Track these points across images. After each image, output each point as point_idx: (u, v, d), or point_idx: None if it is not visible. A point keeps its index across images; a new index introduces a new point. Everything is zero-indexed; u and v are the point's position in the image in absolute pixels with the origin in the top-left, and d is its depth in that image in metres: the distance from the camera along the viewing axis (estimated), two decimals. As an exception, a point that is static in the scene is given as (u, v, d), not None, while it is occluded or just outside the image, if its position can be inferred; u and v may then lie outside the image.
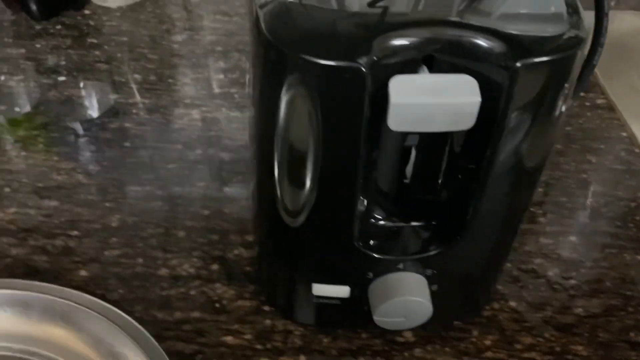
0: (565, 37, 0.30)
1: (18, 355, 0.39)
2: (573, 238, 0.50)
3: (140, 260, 0.46)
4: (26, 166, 0.53)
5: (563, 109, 0.32)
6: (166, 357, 0.38)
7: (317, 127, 0.31)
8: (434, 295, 0.38)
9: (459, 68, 0.29)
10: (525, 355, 0.42)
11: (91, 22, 0.68)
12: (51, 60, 0.63)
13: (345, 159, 0.32)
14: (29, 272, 0.45)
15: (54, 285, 0.41)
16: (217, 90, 0.61)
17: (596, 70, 0.42)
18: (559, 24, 0.30)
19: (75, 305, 0.39)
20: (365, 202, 0.36)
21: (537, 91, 0.30)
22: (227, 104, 0.59)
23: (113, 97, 0.60)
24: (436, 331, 0.43)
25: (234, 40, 0.67)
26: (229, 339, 0.42)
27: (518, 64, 0.29)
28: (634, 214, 0.52)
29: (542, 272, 0.47)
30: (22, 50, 0.64)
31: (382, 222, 0.37)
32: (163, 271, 0.46)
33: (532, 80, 0.30)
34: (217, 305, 0.44)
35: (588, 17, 0.31)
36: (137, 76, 0.62)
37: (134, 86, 0.61)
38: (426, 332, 0.43)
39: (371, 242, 0.37)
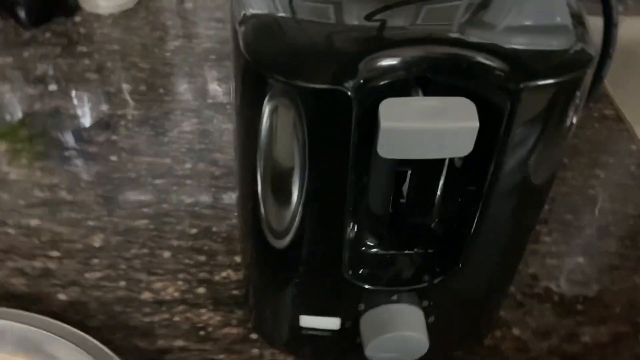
0: (571, 51, 0.27)
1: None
2: (580, 259, 0.47)
3: (122, 283, 0.44)
4: (7, 182, 0.51)
5: (572, 128, 0.30)
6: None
7: (301, 152, 0.28)
8: (431, 328, 0.35)
9: (455, 90, 0.27)
10: (529, 388, 0.40)
11: (82, 30, 0.66)
12: (39, 70, 0.61)
13: (333, 185, 0.30)
14: (6, 297, 0.43)
15: (30, 313, 0.40)
16: (209, 100, 0.59)
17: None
18: (565, 36, 0.27)
19: (52, 335, 0.38)
20: (356, 228, 0.34)
21: (543, 114, 0.28)
22: (219, 115, 0.57)
23: (102, 108, 0.57)
24: (434, 362, 0.40)
25: (229, 48, 0.64)
26: (213, 369, 0.40)
27: (521, 86, 0.26)
28: (644, 233, 0.49)
29: (548, 296, 0.45)
30: (9, 59, 0.62)
31: (374, 250, 0.35)
32: (146, 295, 0.43)
33: (537, 102, 0.27)
34: (202, 332, 0.42)
35: (593, 23, 0.29)
36: (127, 86, 0.60)
37: (123, 97, 0.59)
38: (423, 363, 0.40)
39: (362, 271, 0.34)
